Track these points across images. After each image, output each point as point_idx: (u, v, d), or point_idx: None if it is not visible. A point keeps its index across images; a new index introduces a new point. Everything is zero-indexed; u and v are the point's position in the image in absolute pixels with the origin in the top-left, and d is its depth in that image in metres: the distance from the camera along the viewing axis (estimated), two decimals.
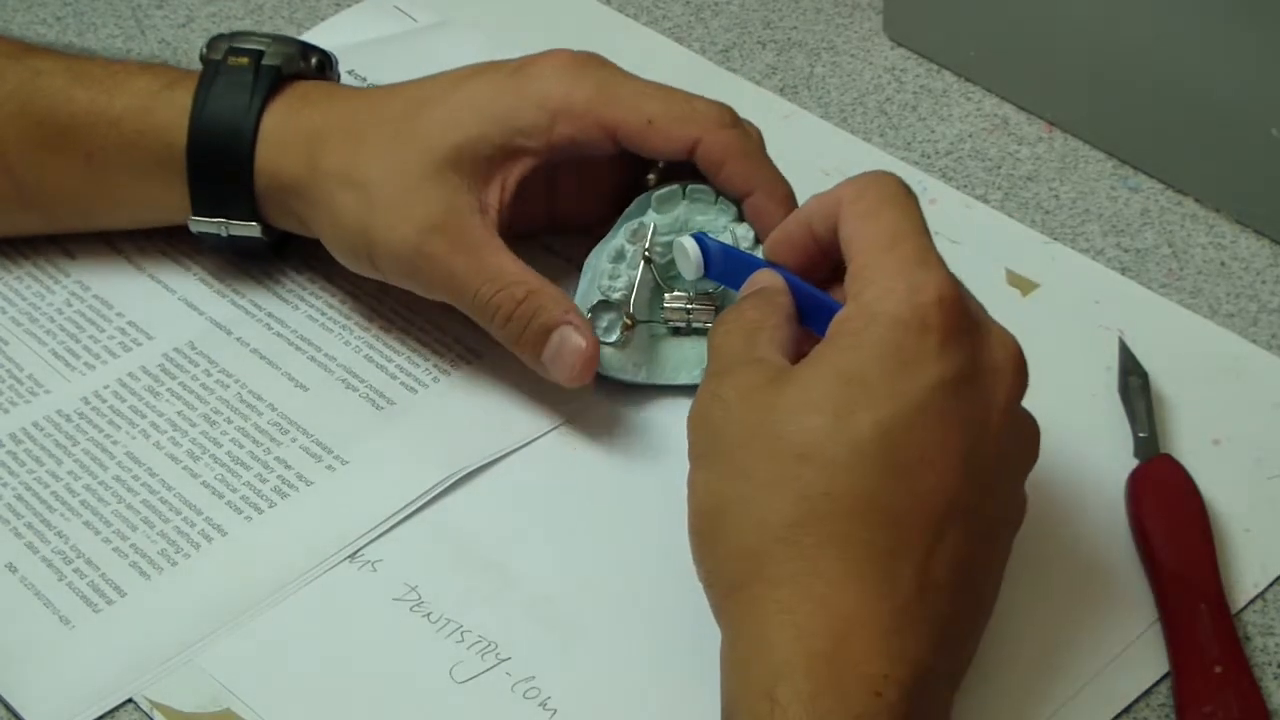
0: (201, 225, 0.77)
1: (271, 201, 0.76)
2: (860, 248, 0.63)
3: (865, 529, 0.58)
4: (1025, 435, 0.63)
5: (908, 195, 0.64)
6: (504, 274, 0.71)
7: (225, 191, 0.76)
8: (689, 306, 0.74)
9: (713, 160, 0.72)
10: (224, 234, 0.77)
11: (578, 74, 0.72)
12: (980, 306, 0.63)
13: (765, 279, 0.67)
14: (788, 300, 0.66)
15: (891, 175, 0.65)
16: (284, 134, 0.75)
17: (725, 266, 0.71)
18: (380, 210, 0.72)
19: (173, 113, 0.76)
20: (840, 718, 0.56)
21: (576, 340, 0.71)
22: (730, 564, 0.60)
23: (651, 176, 0.74)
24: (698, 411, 0.63)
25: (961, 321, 0.60)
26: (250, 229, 0.77)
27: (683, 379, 0.75)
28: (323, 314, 0.79)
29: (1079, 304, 0.80)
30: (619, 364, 0.74)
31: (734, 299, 0.74)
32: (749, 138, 0.73)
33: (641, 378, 0.75)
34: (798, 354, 0.63)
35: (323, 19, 0.96)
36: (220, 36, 0.78)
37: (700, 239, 0.71)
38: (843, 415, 0.59)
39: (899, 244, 0.62)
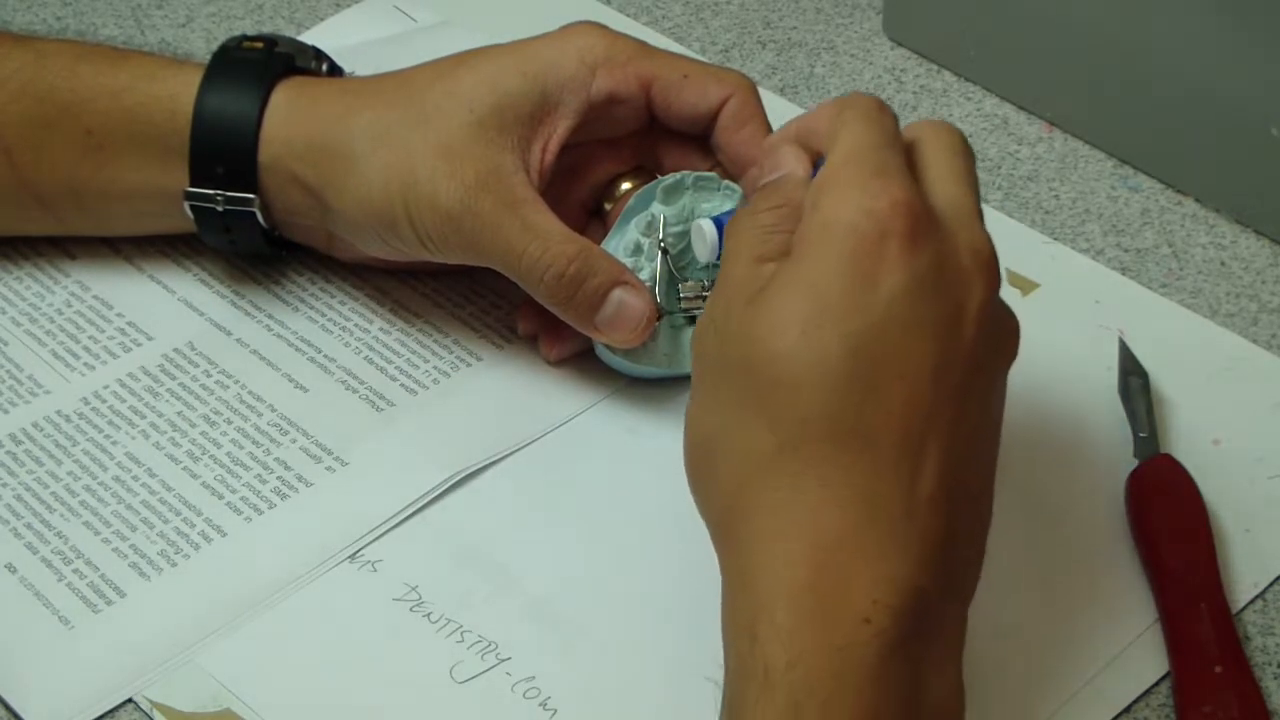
0: (197, 199, 0.76)
1: (277, 172, 0.75)
2: (826, 162, 0.61)
3: (843, 452, 0.57)
4: (1003, 333, 0.61)
5: (880, 111, 0.63)
6: (553, 233, 0.71)
7: (226, 158, 0.75)
8: (705, 294, 0.74)
9: (740, 118, 0.73)
10: (219, 209, 0.76)
11: (616, 35, 0.74)
12: (959, 207, 0.61)
13: (789, 162, 0.64)
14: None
15: (870, 96, 0.63)
16: (298, 105, 0.75)
17: None
18: (423, 169, 0.71)
19: (178, 82, 0.76)
20: (822, 652, 0.55)
21: (636, 301, 0.71)
22: (718, 498, 0.60)
23: (626, 185, 0.76)
24: (696, 337, 0.62)
25: (921, 226, 0.58)
26: (247, 202, 0.76)
27: None
28: (323, 315, 0.79)
29: (1079, 304, 0.80)
30: (647, 357, 0.74)
31: None
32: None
33: (669, 370, 0.75)
34: None
35: (323, 19, 0.96)
36: (233, 38, 0.78)
37: (718, 221, 0.72)
38: (809, 334, 0.57)
39: (859, 156, 0.60)
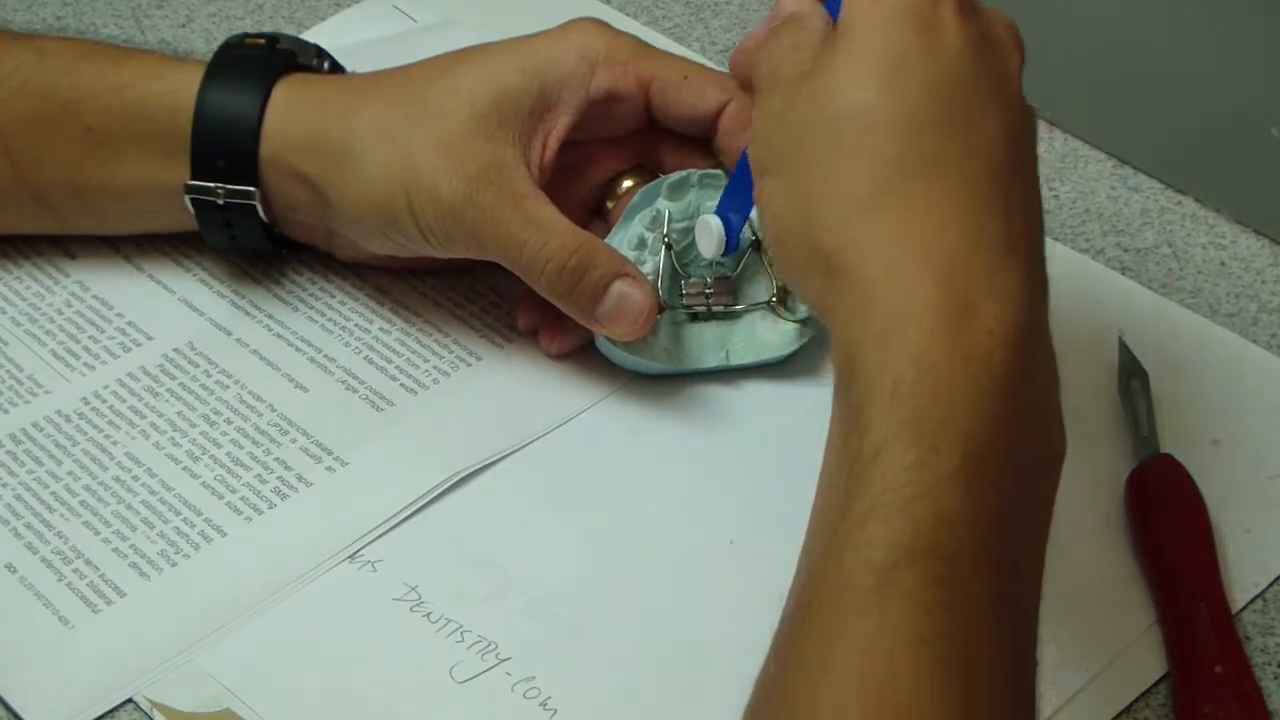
0: (197, 192, 0.76)
1: (277, 166, 0.75)
2: None
3: (944, 183, 0.59)
4: (1033, 117, 0.64)
5: None
6: (554, 226, 0.72)
7: (227, 152, 0.75)
8: (708, 291, 0.74)
9: (741, 122, 0.73)
10: (220, 202, 0.76)
11: (617, 33, 0.75)
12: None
13: (792, 2, 0.66)
14: (823, 21, 0.65)
15: None
16: (299, 100, 0.75)
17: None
18: (425, 164, 0.72)
19: (180, 79, 0.76)
20: (951, 365, 0.56)
21: (637, 294, 0.72)
22: (822, 255, 0.60)
23: (627, 183, 0.76)
24: (754, 135, 0.64)
25: (965, 2, 0.62)
26: (248, 195, 0.76)
27: (708, 363, 0.75)
28: (323, 315, 0.79)
29: (1079, 304, 0.80)
30: (648, 352, 0.74)
31: (749, 280, 0.75)
32: None
33: (670, 366, 0.75)
34: None
35: (323, 19, 0.96)
36: (234, 36, 0.78)
37: (724, 216, 0.72)
38: (889, 84, 0.60)
39: None
